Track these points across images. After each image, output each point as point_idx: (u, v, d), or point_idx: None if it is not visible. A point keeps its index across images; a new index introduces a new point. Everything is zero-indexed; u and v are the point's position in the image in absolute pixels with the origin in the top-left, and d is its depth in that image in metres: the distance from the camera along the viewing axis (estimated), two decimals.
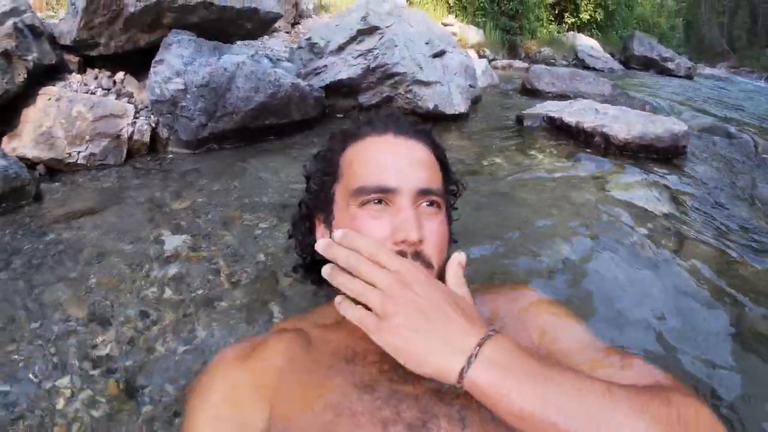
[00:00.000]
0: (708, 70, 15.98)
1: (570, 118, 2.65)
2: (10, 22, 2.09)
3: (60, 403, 1.01)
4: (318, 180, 0.96)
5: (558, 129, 2.76)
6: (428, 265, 0.81)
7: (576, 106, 2.85)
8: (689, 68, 10.79)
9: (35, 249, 1.55)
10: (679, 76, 10.12)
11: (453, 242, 1.02)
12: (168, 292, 1.34)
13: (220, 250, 1.52)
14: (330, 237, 0.86)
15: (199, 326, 1.23)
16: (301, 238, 1.04)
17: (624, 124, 2.48)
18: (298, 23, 6.23)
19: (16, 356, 1.11)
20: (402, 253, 0.79)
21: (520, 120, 3.02)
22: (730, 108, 5.44)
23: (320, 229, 0.97)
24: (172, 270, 1.43)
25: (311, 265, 1.04)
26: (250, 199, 1.87)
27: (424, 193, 0.84)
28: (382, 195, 0.83)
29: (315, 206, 0.97)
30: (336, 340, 0.83)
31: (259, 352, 0.83)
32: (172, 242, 1.57)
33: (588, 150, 2.48)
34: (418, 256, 0.80)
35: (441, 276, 0.80)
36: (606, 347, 0.81)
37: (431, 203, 0.85)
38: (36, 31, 2.23)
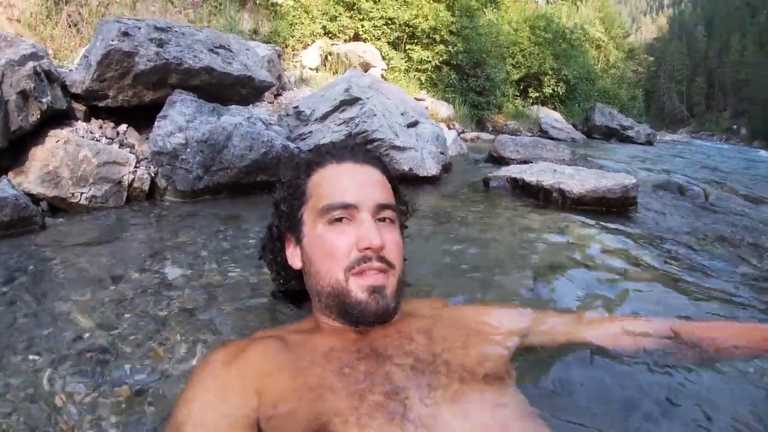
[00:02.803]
0: (669, 136, 16.82)
1: (531, 178, 2.95)
2: (30, 65, 2.29)
3: (67, 408, 1.05)
4: (288, 204, 1.10)
5: (521, 188, 3.05)
6: (390, 265, 0.98)
7: (536, 168, 3.17)
8: (649, 135, 11.62)
9: (42, 270, 1.66)
10: (640, 143, 10.87)
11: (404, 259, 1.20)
12: (169, 312, 1.44)
13: (217, 280, 1.65)
14: (301, 253, 1.07)
15: (200, 342, 1.32)
16: (272, 257, 1.19)
17: (578, 180, 2.77)
18: (281, 94, 6.62)
19: (19, 361, 1.18)
20: (367, 258, 0.95)
21: (486, 182, 3.31)
22: (686, 167, 5.93)
23: (290, 248, 1.11)
24: (174, 295, 1.54)
25: (285, 282, 1.20)
26: (243, 240, 2.02)
27: (381, 207, 1.01)
28: (346, 211, 0.98)
29: (286, 227, 1.11)
30: (314, 341, 0.98)
31: (244, 355, 0.93)
32: (172, 272, 1.70)
33: (547, 205, 2.77)
34: (381, 259, 0.96)
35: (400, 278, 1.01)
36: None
37: (386, 218, 1.02)
38: (51, 77, 2.44)
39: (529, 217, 2.57)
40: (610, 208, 2.71)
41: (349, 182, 1.02)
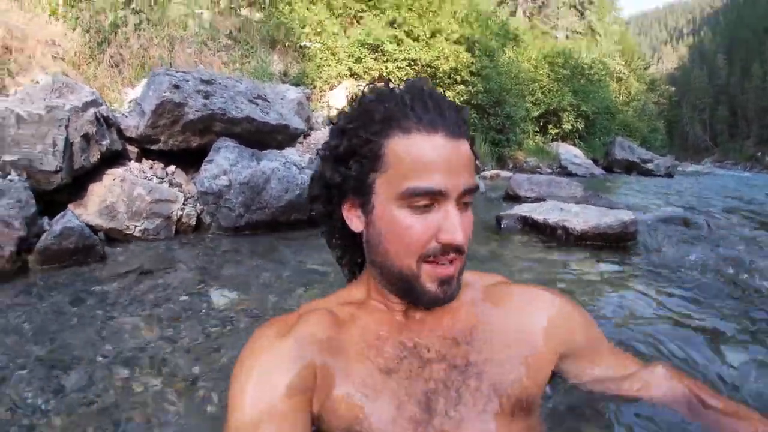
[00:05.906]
0: (692, 167, 16.24)
1: (538, 216, 3.18)
2: (91, 111, 2.66)
3: (141, 396, 1.26)
4: (356, 164, 0.92)
5: (530, 226, 3.28)
6: (462, 252, 0.89)
7: (545, 207, 3.41)
8: (668, 167, 11.64)
9: (105, 292, 1.95)
10: (660, 176, 10.87)
11: None
12: (224, 328, 1.70)
13: (264, 304, 1.91)
14: (365, 220, 0.94)
15: None
16: (324, 210, 1.03)
17: (582, 218, 2.99)
18: (309, 135, 6.96)
19: (96, 361, 1.42)
20: (445, 251, 0.87)
21: (498, 220, 3.52)
22: (698, 198, 6.01)
23: (353, 212, 0.96)
24: (226, 314, 1.81)
25: (340, 239, 1.07)
26: (280, 273, 2.28)
27: (467, 192, 0.88)
28: (431, 198, 0.85)
29: (349, 188, 0.94)
30: (362, 321, 0.94)
31: (298, 328, 0.90)
32: (223, 296, 1.98)
33: (552, 241, 2.99)
34: (458, 250, 0.88)
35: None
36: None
37: (467, 202, 0.90)
38: (108, 122, 2.81)
39: (536, 253, 2.79)
40: (611, 243, 2.88)
41: (440, 164, 0.86)
